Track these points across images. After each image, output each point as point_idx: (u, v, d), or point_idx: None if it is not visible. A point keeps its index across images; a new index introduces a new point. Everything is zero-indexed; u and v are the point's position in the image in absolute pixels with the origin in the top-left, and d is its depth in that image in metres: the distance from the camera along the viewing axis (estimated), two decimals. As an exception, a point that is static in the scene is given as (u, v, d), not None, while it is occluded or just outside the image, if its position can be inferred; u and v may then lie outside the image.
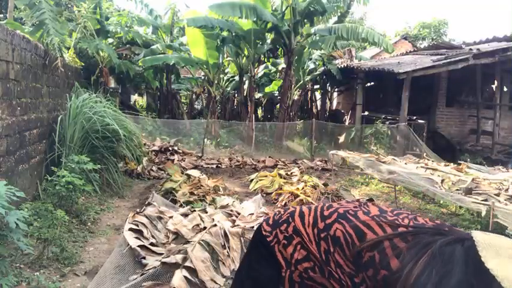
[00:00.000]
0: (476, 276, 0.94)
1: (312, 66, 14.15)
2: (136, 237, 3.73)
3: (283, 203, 5.93)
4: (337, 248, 1.13)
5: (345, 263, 1.12)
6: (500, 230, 4.31)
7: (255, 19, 10.89)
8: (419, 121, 11.16)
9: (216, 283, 3.20)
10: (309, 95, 16.39)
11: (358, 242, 1.09)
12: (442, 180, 5.85)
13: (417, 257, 1.03)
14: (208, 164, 9.02)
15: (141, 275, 3.17)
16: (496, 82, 11.49)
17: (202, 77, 14.67)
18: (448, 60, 10.51)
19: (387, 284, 1.05)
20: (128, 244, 3.57)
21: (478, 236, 1.00)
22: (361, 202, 1.25)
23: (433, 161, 9.12)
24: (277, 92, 14.79)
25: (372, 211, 1.17)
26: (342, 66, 13.60)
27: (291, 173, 7.78)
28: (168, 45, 12.41)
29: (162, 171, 7.75)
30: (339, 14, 12.38)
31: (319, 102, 16.86)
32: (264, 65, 14.88)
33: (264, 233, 1.29)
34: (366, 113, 12.89)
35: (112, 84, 13.69)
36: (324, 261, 1.17)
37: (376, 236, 1.08)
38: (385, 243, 1.06)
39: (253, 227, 3.98)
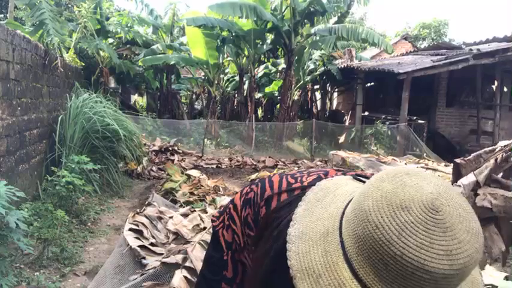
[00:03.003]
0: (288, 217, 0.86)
1: (312, 66, 14.15)
2: (136, 238, 3.73)
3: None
4: (249, 210, 1.09)
5: (253, 222, 1.08)
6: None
7: (255, 19, 10.89)
8: (420, 121, 11.16)
9: (216, 283, 3.19)
10: (309, 95, 16.38)
11: (259, 200, 1.05)
12: (442, 181, 5.85)
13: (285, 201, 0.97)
14: (209, 164, 9.02)
15: (141, 275, 3.17)
16: (496, 82, 11.49)
17: (203, 77, 14.67)
18: (449, 60, 10.51)
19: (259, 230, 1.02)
20: (128, 244, 3.57)
21: (327, 179, 0.89)
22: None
23: (433, 162, 9.14)
24: (277, 92, 14.79)
25: (291, 171, 1.12)
26: (342, 66, 13.60)
27: (291, 173, 7.77)
28: (168, 45, 12.41)
29: (162, 171, 7.75)
30: (339, 14, 12.38)
31: (319, 103, 16.86)
32: (264, 65, 14.88)
33: (212, 219, 1.24)
34: (366, 113, 12.89)
35: (112, 84, 13.69)
36: (243, 228, 1.13)
37: (271, 193, 1.03)
38: (274, 197, 1.02)
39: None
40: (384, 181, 0.68)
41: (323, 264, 0.70)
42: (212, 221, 1.25)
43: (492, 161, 2.71)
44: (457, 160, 3.00)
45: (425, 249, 0.60)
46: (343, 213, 0.75)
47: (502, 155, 2.73)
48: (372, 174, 0.94)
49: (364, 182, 0.88)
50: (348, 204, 0.77)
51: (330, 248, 0.72)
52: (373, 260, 0.64)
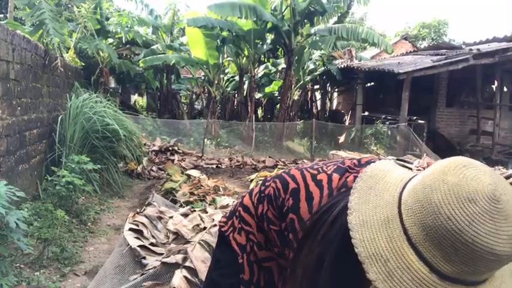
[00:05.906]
0: (341, 209, 0.88)
1: (312, 66, 14.15)
2: (136, 237, 3.73)
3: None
4: (269, 206, 1.12)
5: (274, 217, 1.11)
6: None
7: (254, 19, 10.88)
8: (420, 121, 11.16)
9: (216, 283, 3.19)
10: (309, 95, 16.40)
11: (283, 194, 1.08)
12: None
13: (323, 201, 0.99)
14: (209, 164, 9.02)
15: (141, 275, 3.17)
16: (496, 82, 11.49)
17: (203, 77, 14.67)
18: (448, 60, 10.51)
19: (293, 229, 1.03)
20: (128, 244, 3.57)
21: (372, 166, 0.90)
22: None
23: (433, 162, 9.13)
24: (277, 92, 14.80)
25: (305, 165, 1.15)
26: (342, 66, 13.59)
27: (291, 173, 7.77)
28: (168, 45, 12.41)
29: (162, 171, 7.75)
30: (339, 14, 12.39)
31: (319, 103, 16.86)
32: (264, 65, 14.89)
33: (220, 224, 1.26)
34: (366, 113, 12.89)
35: (112, 84, 13.69)
36: (261, 225, 1.15)
37: (297, 185, 1.06)
38: (301, 188, 1.05)
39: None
40: (447, 174, 0.75)
41: (389, 250, 0.77)
42: (220, 226, 1.25)
43: None
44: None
45: (493, 236, 0.69)
46: (400, 200, 0.80)
47: None
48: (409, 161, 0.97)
49: (409, 168, 0.94)
50: (401, 191, 0.82)
51: (393, 234, 0.78)
52: (443, 246, 0.72)
